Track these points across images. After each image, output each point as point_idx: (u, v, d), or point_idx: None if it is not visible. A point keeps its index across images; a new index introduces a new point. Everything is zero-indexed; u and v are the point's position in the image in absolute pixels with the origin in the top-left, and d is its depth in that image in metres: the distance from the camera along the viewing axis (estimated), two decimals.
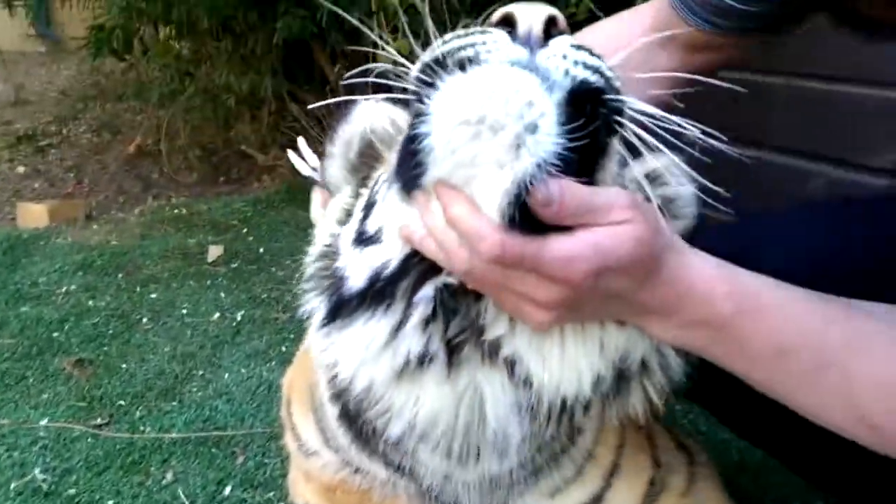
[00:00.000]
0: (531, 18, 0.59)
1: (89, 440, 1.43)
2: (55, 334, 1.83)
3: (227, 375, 1.65)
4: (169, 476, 1.32)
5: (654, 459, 0.92)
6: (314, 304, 0.71)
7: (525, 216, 0.54)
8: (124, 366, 1.69)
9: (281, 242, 2.45)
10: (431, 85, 0.56)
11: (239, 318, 1.92)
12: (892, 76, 1.73)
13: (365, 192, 0.76)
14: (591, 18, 2.12)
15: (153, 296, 2.05)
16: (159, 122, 3.49)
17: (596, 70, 0.58)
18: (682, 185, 0.76)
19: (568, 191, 0.55)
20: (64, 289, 2.08)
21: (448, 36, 0.61)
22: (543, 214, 0.54)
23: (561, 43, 0.58)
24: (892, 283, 0.76)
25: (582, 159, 0.57)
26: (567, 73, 0.56)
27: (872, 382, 0.61)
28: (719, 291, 0.61)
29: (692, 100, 2.48)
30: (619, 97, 0.59)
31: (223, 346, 1.77)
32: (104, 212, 2.85)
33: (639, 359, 0.67)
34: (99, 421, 1.49)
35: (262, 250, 2.39)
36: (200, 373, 1.67)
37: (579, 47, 0.59)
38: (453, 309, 0.65)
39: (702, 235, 1.03)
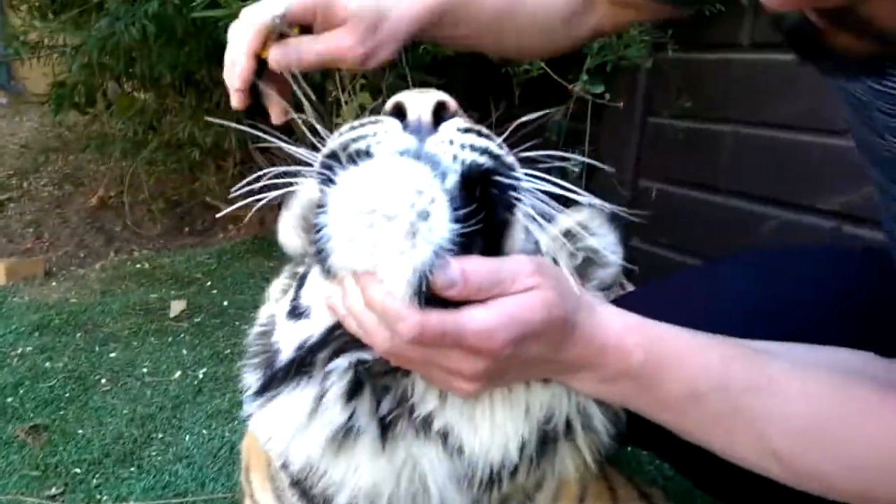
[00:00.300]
0: (420, 107, 0.61)
1: None
2: (9, 399, 1.77)
3: (187, 437, 1.62)
4: None
5: None
6: (250, 380, 0.73)
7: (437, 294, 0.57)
8: (81, 431, 1.64)
9: (245, 294, 2.43)
10: (329, 178, 0.58)
11: (201, 376, 1.89)
12: (834, 125, 1.83)
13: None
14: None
15: (112, 355, 2.00)
16: (122, 174, 3.46)
17: (485, 151, 0.60)
18: (603, 234, 0.80)
19: (470, 270, 0.57)
20: (19, 350, 2.03)
21: (343, 128, 0.63)
22: (449, 296, 0.57)
23: (449, 128, 0.61)
24: (832, 330, 0.80)
25: (486, 234, 0.60)
26: (455, 157, 0.59)
27: (779, 421, 0.64)
28: (630, 343, 0.65)
29: (651, 148, 2.54)
30: (511, 174, 0.61)
31: (184, 407, 1.74)
32: (64, 268, 2.80)
33: (563, 419, 0.70)
34: (53, 491, 1.44)
35: (226, 303, 2.37)
36: (160, 436, 1.63)
37: (468, 130, 0.62)
38: (384, 386, 0.67)
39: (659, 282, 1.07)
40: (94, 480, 1.47)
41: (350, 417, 0.66)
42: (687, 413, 0.66)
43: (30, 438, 1.61)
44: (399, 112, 0.62)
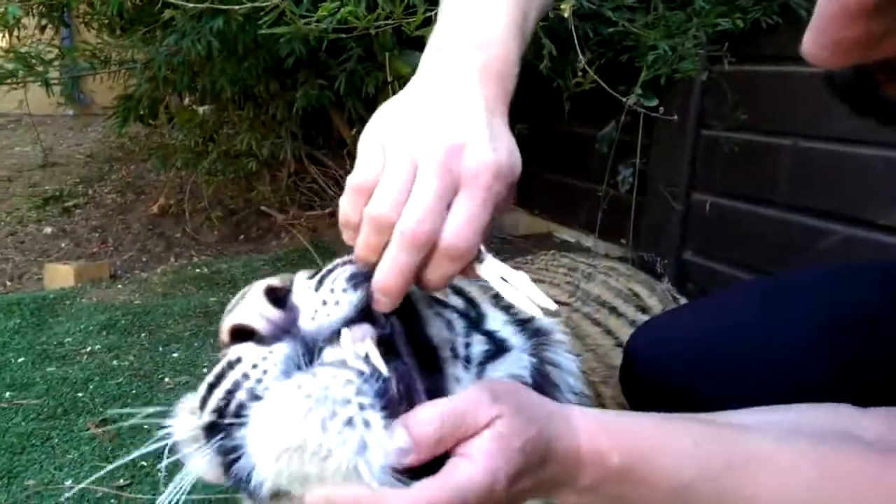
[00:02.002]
0: (257, 312, 0.59)
1: (112, 501, 1.45)
2: (80, 394, 1.86)
3: None
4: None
5: None
6: None
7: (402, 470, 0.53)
8: (147, 427, 1.71)
9: None
10: (228, 442, 0.56)
11: None
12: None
13: None
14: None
15: (175, 355, 2.09)
16: (182, 184, 3.61)
17: (349, 287, 0.59)
18: (566, 357, 0.79)
19: (418, 433, 0.53)
20: (88, 349, 2.13)
21: (202, 389, 0.62)
22: (413, 463, 0.53)
23: (304, 298, 0.59)
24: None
25: (421, 370, 0.59)
26: (330, 315, 0.58)
27: (769, 500, 0.62)
28: (605, 447, 0.61)
29: (705, 161, 2.53)
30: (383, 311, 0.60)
31: None
32: (128, 271, 2.93)
33: None
34: (121, 482, 1.51)
35: None
36: None
37: (319, 282, 0.61)
38: None
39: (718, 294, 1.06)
40: (160, 473, 1.53)
41: None
42: None
43: (100, 432, 1.69)
44: (241, 334, 0.59)
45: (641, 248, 2.61)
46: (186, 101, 3.62)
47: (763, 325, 0.92)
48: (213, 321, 2.32)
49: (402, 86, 2.56)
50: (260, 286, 0.61)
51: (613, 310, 1.57)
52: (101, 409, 1.79)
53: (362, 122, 3.19)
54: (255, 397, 0.56)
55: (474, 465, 0.53)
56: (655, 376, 0.94)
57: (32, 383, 1.92)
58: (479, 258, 0.60)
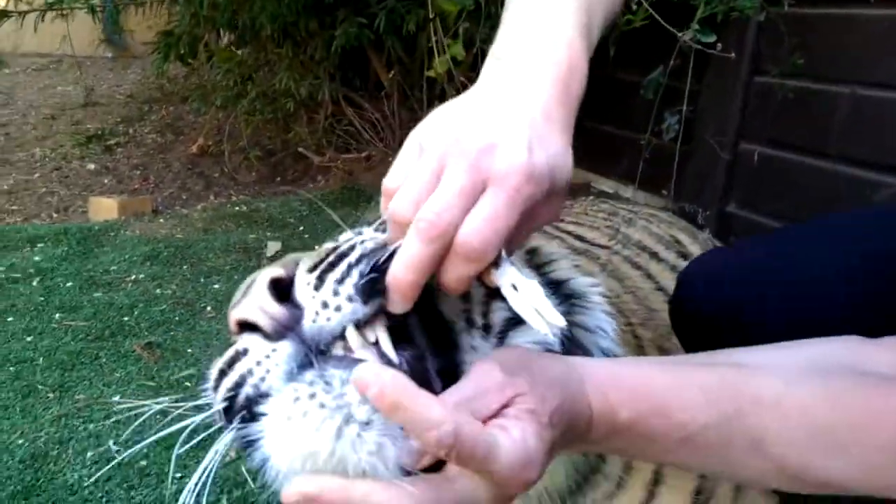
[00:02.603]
0: (261, 308, 0.56)
1: (158, 416, 1.50)
2: (125, 319, 1.92)
3: None
4: (232, 454, 1.38)
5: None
6: None
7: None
8: (190, 350, 1.77)
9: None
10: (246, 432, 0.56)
11: None
12: None
13: None
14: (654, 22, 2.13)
15: (216, 286, 2.13)
16: (220, 125, 3.63)
17: (348, 275, 0.57)
18: (602, 319, 0.76)
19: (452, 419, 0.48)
20: (133, 277, 2.19)
21: (214, 370, 0.61)
22: (428, 464, 0.52)
23: (304, 293, 0.56)
24: None
25: (435, 349, 0.58)
26: (339, 307, 0.55)
27: (781, 439, 0.61)
28: (615, 401, 0.60)
29: (756, 108, 2.44)
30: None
31: None
32: (169, 207, 2.98)
33: None
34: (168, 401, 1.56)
35: (317, 247, 2.46)
36: None
37: (320, 275, 0.57)
38: None
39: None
40: (204, 395, 1.59)
41: None
42: (688, 455, 0.64)
43: (145, 353, 1.75)
44: (248, 326, 0.58)
45: (683, 200, 2.55)
46: (225, 41, 3.61)
47: (810, 260, 0.89)
48: (252, 257, 2.36)
49: (444, 23, 2.52)
50: (265, 278, 0.58)
51: (654, 255, 1.55)
52: (146, 333, 1.85)
53: (401, 63, 3.18)
54: (261, 395, 0.56)
55: (512, 448, 0.51)
56: (703, 307, 0.93)
57: (80, 306, 1.98)
58: (496, 263, 0.57)
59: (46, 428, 1.45)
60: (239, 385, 0.57)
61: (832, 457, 0.60)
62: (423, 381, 0.52)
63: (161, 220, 2.73)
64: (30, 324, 1.88)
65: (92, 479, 1.30)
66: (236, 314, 0.58)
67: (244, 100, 3.24)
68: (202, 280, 2.17)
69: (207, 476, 0.62)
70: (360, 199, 2.88)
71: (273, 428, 0.54)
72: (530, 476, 0.51)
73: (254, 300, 0.57)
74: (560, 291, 0.76)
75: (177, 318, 1.94)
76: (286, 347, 0.56)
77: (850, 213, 1.05)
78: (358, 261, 0.59)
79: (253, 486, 1.28)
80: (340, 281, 0.57)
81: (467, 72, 2.60)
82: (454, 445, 0.47)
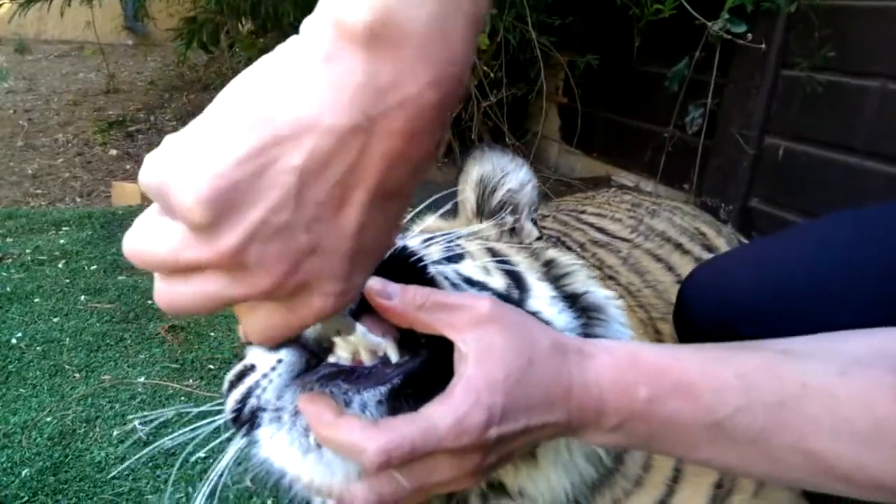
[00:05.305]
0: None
1: (182, 398, 1.52)
2: (149, 302, 1.94)
3: None
4: (249, 483, 1.40)
5: None
6: None
7: (410, 392, 0.56)
8: (213, 334, 1.79)
9: None
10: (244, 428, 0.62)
11: None
12: None
13: None
14: (681, 13, 2.10)
15: None
16: None
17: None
18: (619, 332, 0.76)
19: (407, 292, 0.56)
20: None
21: (226, 384, 0.66)
22: (385, 309, 0.56)
23: None
24: None
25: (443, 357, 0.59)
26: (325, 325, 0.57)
27: (827, 433, 0.56)
28: (630, 381, 0.57)
29: (782, 102, 2.42)
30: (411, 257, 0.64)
31: None
32: None
33: None
34: (191, 382, 1.58)
35: None
36: None
37: None
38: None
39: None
40: (226, 376, 1.60)
41: None
42: (719, 448, 0.58)
43: (169, 336, 1.77)
44: None
45: (705, 194, 2.53)
46: (247, 28, 3.62)
47: (814, 271, 0.85)
48: None
49: None
50: None
51: (679, 246, 1.53)
52: (169, 316, 1.87)
53: None
54: (261, 409, 0.61)
55: (448, 405, 0.52)
56: (704, 317, 0.91)
57: (105, 289, 2.01)
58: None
59: (73, 407, 1.48)
60: (246, 397, 0.62)
61: (893, 456, 0.54)
62: (421, 388, 0.56)
63: None
64: (56, 305, 1.91)
65: (118, 458, 1.32)
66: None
67: None
68: None
69: (219, 480, 0.68)
70: None
71: (263, 441, 0.61)
72: (473, 431, 0.52)
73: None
74: (577, 305, 0.75)
75: None
76: (287, 358, 0.60)
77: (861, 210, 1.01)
78: None
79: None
80: None
81: (490, 60, 2.59)
82: (388, 460, 0.50)
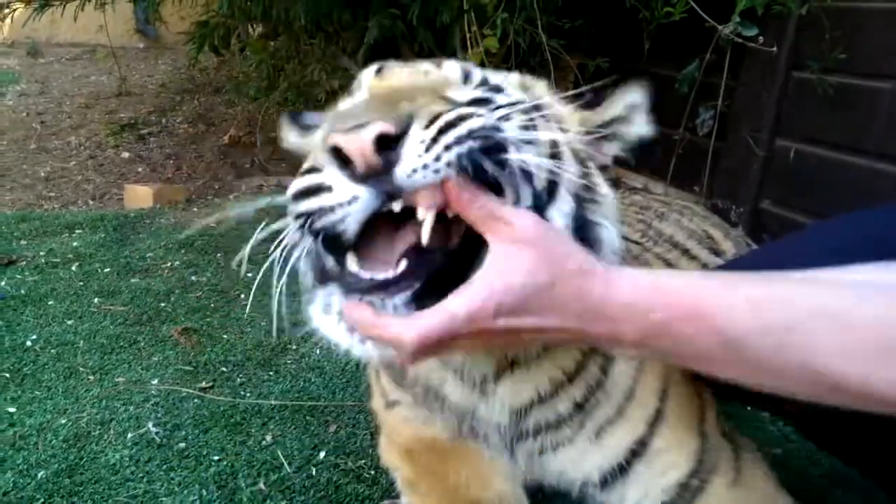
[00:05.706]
0: (361, 152, 0.61)
1: (196, 401, 1.53)
2: (162, 304, 1.96)
3: (318, 351, 1.74)
4: (268, 438, 1.41)
5: (699, 430, 0.95)
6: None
7: (430, 291, 0.66)
8: (225, 336, 1.80)
9: None
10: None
11: None
12: None
13: None
14: (692, 16, 2.10)
15: (249, 275, 2.16)
16: (251, 116, 3.67)
17: (464, 137, 0.63)
18: (606, 227, 0.79)
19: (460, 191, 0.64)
20: (169, 264, 2.23)
21: (296, 183, 0.69)
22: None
23: (411, 152, 0.62)
24: None
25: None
26: (439, 168, 0.62)
27: (838, 352, 0.59)
28: (645, 303, 0.64)
29: (793, 104, 2.41)
30: (498, 138, 0.66)
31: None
32: (201, 196, 3.03)
33: None
34: (204, 384, 1.60)
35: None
36: (294, 347, 1.76)
37: (435, 128, 0.64)
38: None
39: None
40: (239, 379, 1.62)
41: None
42: (728, 362, 0.63)
43: (182, 338, 1.79)
44: (339, 157, 0.63)
45: (715, 196, 2.53)
46: (258, 32, 3.64)
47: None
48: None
49: (479, 16, 2.50)
50: (374, 130, 0.61)
51: (686, 252, 1.53)
52: (182, 319, 1.89)
53: (431, 55, 3.17)
54: (336, 233, 0.66)
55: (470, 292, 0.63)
56: None
57: (119, 292, 2.03)
58: None
59: (88, 409, 1.49)
60: (316, 213, 0.66)
61: None
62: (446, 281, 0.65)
63: (195, 209, 2.78)
64: (70, 307, 1.93)
65: (133, 460, 1.33)
66: (336, 141, 0.62)
67: (276, 91, 3.27)
68: (235, 269, 2.20)
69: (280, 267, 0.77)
70: None
71: (313, 314, 0.76)
72: (486, 319, 0.63)
73: (357, 142, 0.62)
74: (584, 232, 0.80)
75: (212, 305, 1.97)
76: (365, 196, 0.63)
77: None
78: (473, 135, 0.65)
79: (289, 469, 1.30)
80: (449, 147, 0.63)
81: (500, 63, 2.60)
82: (421, 349, 0.62)
